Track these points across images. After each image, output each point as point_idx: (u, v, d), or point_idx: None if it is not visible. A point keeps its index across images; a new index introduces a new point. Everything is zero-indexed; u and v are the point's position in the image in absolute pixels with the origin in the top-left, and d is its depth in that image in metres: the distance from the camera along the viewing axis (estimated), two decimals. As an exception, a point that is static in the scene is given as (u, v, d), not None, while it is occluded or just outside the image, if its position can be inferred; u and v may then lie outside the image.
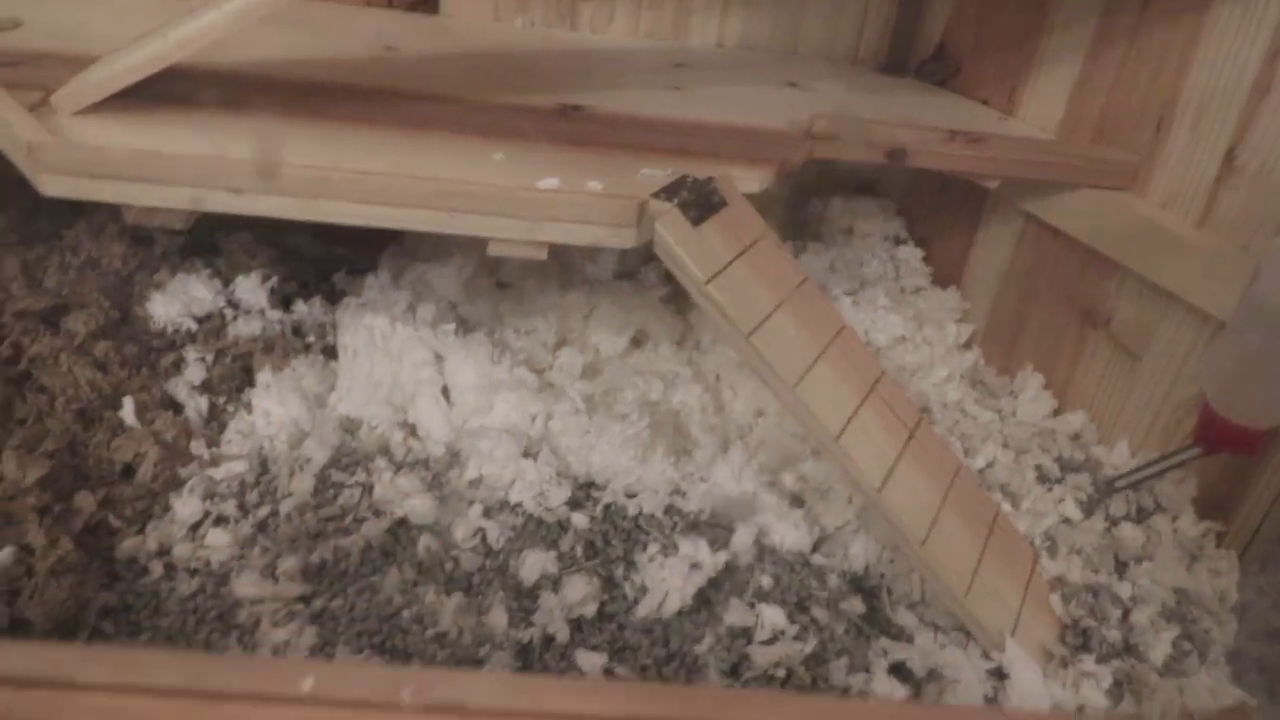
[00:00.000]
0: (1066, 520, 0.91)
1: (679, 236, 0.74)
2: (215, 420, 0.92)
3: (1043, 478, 0.96)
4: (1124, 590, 0.84)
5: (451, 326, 0.95)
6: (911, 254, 1.15)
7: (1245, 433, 0.83)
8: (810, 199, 1.20)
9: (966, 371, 1.07)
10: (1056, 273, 1.03)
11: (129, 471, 0.86)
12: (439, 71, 0.96)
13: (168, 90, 0.80)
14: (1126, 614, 0.82)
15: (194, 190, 0.68)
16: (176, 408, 0.91)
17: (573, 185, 0.74)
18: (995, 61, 1.04)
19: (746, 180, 0.83)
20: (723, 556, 0.81)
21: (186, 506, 0.83)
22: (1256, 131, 0.84)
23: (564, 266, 1.08)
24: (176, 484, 0.86)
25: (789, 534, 0.85)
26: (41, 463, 0.82)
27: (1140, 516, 0.94)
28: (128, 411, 0.87)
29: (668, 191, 0.76)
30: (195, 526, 0.83)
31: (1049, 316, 1.05)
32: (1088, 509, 0.93)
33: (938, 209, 1.15)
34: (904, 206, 1.19)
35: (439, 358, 0.94)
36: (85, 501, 0.83)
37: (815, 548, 0.86)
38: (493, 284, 1.05)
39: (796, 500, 0.89)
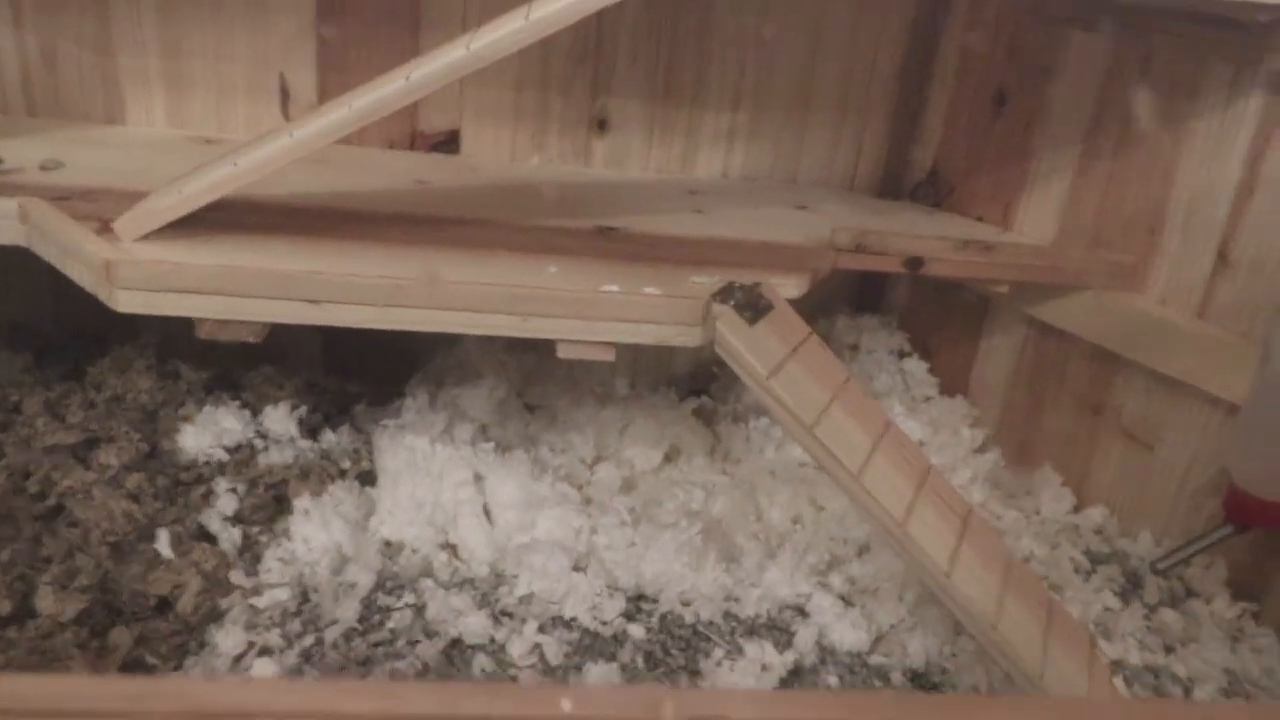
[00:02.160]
0: (1108, 609, 0.93)
1: (739, 334, 0.77)
2: (249, 550, 0.90)
3: (1076, 570, 0.98)
4: (1180, 671, 0.85)
5: (490, 445, 0.95)
6: (917, 366, 1.19)
7: (1273, 506, 0.86)
8: (816, 318, 1.24)
9: (986, 473, 1.09)
10: (1063, 373, 1.08)
11: (163, 605, 0.83)
12: (474, 200, 0.99)
13: (219, 219, 0.82)
14: (1188, 693, 0.83)
15: (271, 303, 0.69)
16: (210, 539, 0.89)
17: (632, 290, 0.77)
18: (988, 182, 1.12)
19: (785, 287, 0.87)
20: (790, 656, 0.80)
21: (229, 638, 0.80)
22: (1245, 230, 0.91)
23: (585, 389, 1.10)
24: (215, 616, 0.83)
25: (848, 633, 0.85)
26: (78, 598, 0.78)
27: (1174, 603, 0.95)
28: (163, 543, 0.85)
29: (721, 295, 0.79)
30: (239, 658, 0.79)
31: (1060, 416, 1.09)
32: (1124, 598, 0.95)
33: (939, 322, 1.20)
34: (905, 322, 1.24)
35: (478, 477, 0.94)
36: (121, 638, 0.79)
37: (873, 647, 0.86)
38: (522, 406, 1.05)
39: (848, 601, 0.89)
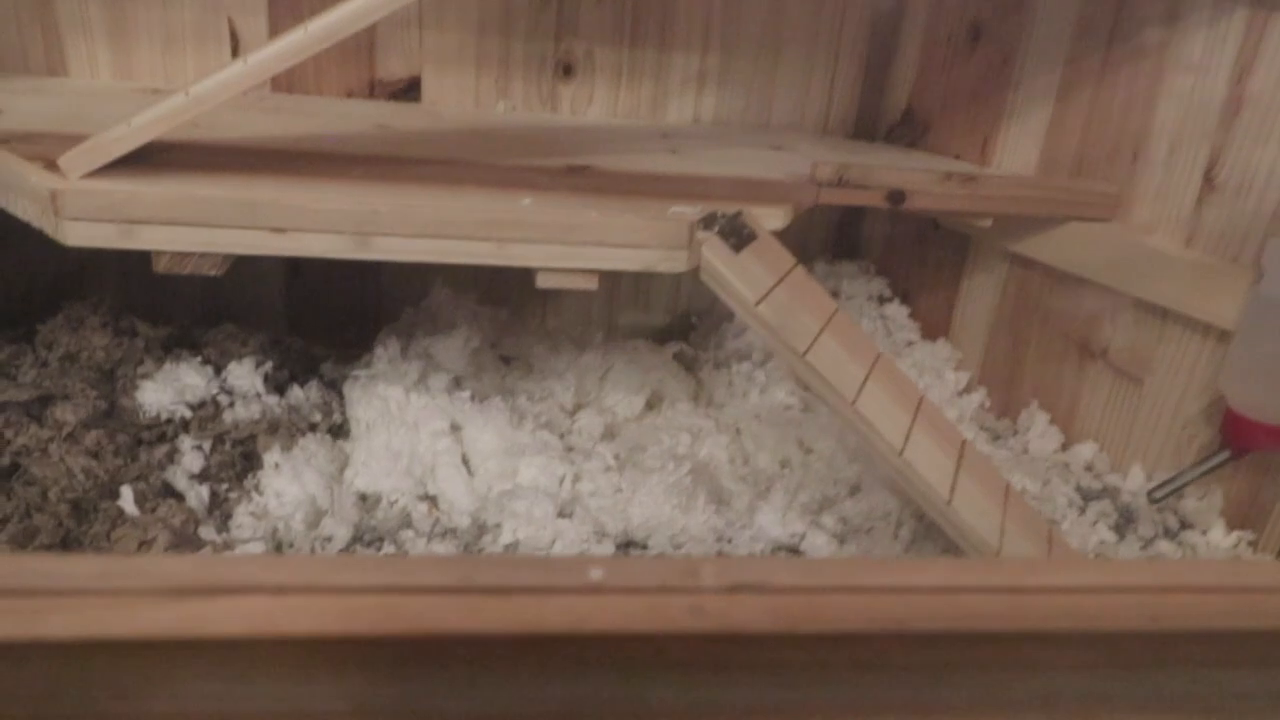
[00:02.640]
0: (1103, 543, 0.91)
1: (725, 260, 0.74)
2: (217, 509, 0.85)
3: (1069, 505, 0.96)
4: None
5: (467, 394, 0.91)
6: (898, 311, 1.17)
7: (1271, 430, 0.85)
8: (793, 265, 1.22)
9: (973, 414, 1.07)
10: (1047, 309, 1.06)
11: (130, 566, 0.79)
12: (438, 143, 0.95)
13: (170, 159, 0.77)
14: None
15: (233, 232, 0.65)
16: (176, 497, 0.85)
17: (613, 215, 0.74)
18: (964, 118, 1.10)
19: (768, 218, 0.84)
20: (788, 594, 0.78)
21: (201, 596, 0.76)
22: (1231, 151, 0.90)
23: (559, 340, 1.07)
24: (185, 575, 0.79)
25: (844, 572, 0.82)
26: (38, 557, 0.74)
27: (1170, 535, 0.94)
28: (127, 500, 0.81)
29: (704, 223, 0.76)
30: (212, 616, 0.75)
31: (1045, 353, 1.07)
32: (1119, 532, 0.94)
33: (918, 265, 1.18)
34: (884, 266, 1.22)
35: (455, 427, 0.90)
36: (86, 599, 0.75)
37: (870, 586, 0.83)
38: (497, 357, 1.02)
39: (842, 540, 0.86)
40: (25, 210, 0.68)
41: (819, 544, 0.84)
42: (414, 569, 0.27)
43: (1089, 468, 1.03)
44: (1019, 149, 1.06)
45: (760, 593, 0.28)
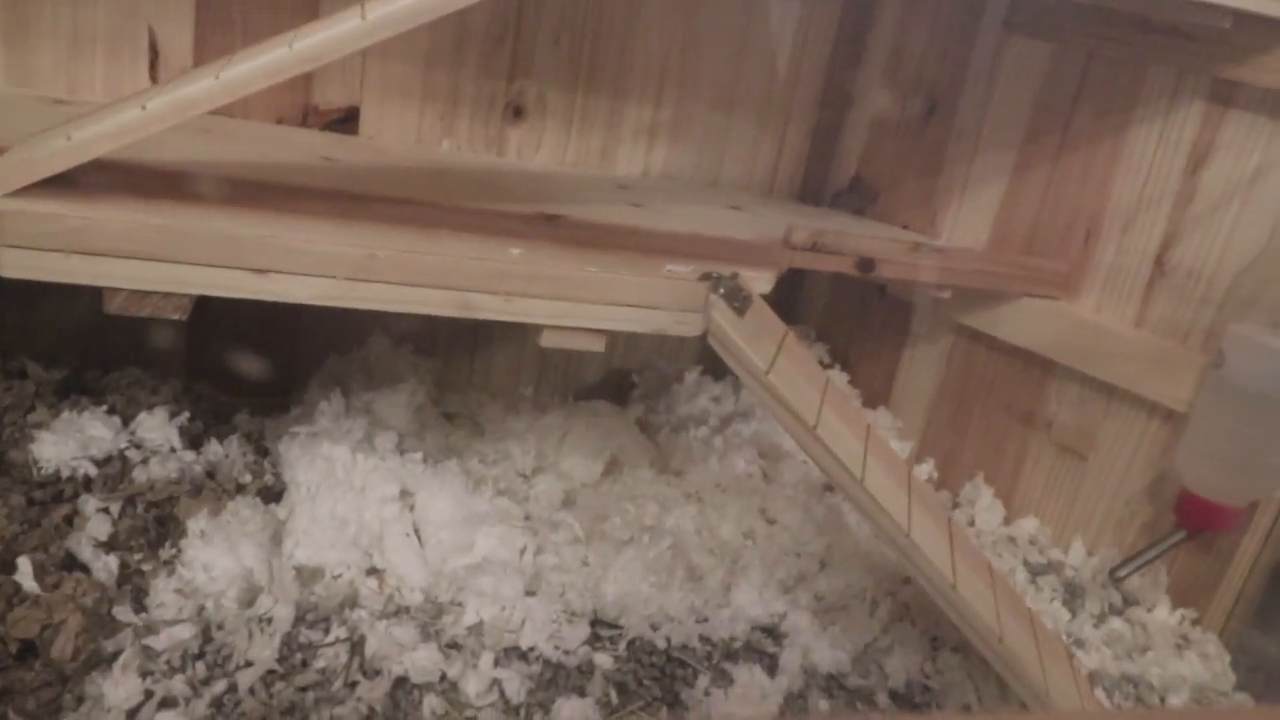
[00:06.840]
0: (1056, 619, 0.91)
1: (733, 325, 0.70)
2: (128, 583, 0.74)
3: (1027, 582, 0.96)
4: (1154, 679, 0.84)
5: (419, 456, 0.83)
6: (838, 378, 1.16)
7: (1226, 511, 0.87)
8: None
9: (920, 485, 1.07)
10: (993, 382, 1.07)
11: (26, 651, 0.67)
12: (396, 180, 0.88)
13: (99, 182, 0.66)
14: (1163, 702, 0.82)
15: (207, 270, 0.56)
16: (81, 569, 0.73)
17: (635, 273, 0.69)
18: (915, 188, 1.10)
19: (757, 282, 0.81)
20: (784, 681, 0.73)
21: (120, 688, 0.65)
22: (1183, 238, 0.93)
23: (515, 399, 1.00)
24: (97, 661, 0.67)
25: (826, 654, 0.79)
26: (-81, 645, 0.61)
27: (1116, 612, 0.95)
28: (25, 573, 0.69)
29: (710, 285, 0.72)
30: (134, 713, 0.65)
31: (988, 426, 1.08)
32: (1070, 608, 0.94)
33: (859, 331, 1.18)
34: (824, 331, 1.21)
35: (405, 492, 0.82)
36: (-24, 695, 0.63)
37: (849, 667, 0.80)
38: (440, 415, 0.94)
39: (817, 618, 0.83)
40: (-56, 231, 0.57)
41: (801, 625, 0.80)
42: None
43: (1033, 542, 1.03)
44: (970, 223, 1.07)
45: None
